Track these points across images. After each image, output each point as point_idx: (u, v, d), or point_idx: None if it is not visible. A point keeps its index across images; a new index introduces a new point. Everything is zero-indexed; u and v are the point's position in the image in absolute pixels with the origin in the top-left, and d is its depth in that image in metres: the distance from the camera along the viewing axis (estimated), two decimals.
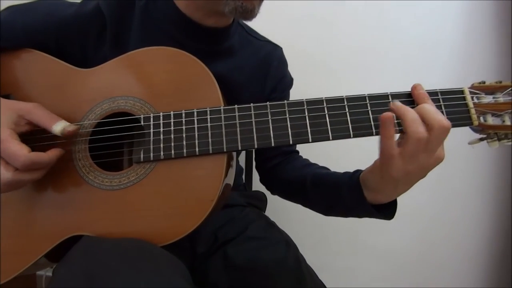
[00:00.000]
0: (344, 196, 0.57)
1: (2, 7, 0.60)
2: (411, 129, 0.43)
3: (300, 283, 0.55)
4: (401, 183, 0.48)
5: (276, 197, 0.81)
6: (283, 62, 0.76)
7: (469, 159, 1.10)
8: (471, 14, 1.07)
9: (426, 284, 1.18)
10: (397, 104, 0.46)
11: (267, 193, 0.82)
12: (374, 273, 1.20)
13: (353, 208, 0.57)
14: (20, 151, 0.45)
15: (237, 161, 0.76)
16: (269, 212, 0.80)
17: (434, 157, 0.45)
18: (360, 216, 0.59)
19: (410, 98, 0.48)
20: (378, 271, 1.19)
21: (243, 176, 0.92)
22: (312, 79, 1.09)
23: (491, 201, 1.13)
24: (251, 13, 0.57)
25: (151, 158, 0.50)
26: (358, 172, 0.57)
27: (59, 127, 0.49)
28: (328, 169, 0.68)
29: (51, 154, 0.48)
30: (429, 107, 0.44)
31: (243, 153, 0.96)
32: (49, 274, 1.14)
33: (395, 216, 0.56)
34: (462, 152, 1.05)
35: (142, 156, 0.50)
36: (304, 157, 0.77)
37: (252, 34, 0.72)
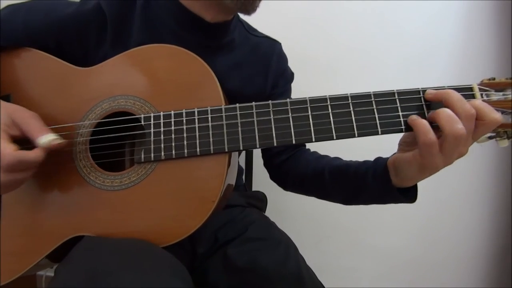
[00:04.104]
0: (368, 184, 0.56)
1: (2, 6, 0.59)
2: (450, 128, 0.42)
3: (299, 284, 0.55)
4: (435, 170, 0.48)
5: (276, 198, 0.80)
6: (282, 57, 0.76)
7: (469, 158, 1.09)
8: (471, 14, 1.07)
9: (426, 284, 1.18)
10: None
11: (267, 193, 0.82)
12: (374, 273, 1.20)
13: (378, 195, 0.57)
14: (6, 149, 0.44)
15: (238, 161, 0.76)
16: (269, 212, 0.79)
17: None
18: (384, 202, 0.58)
19: (417, 95, 0.47)
20: (378, 271, 1.19)
21: (243, 177, 0.92)
22: (312, 79, 1.08)
23: (491, 201, 1.13)
24: (252, 6, 0.57)
25: (152, 159, 0.49)
26: (380, 159, 0.57)
27: (43, 140, 0.47)
28: (341, 159, 0.67)
29: (38, 152, 0.47)
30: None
31: (243, 153, 0.96)
32: (49, 274, 1.14)
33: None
34: None
35: (142, 156, 0.50)
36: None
37: (251, 32, 0.72)
